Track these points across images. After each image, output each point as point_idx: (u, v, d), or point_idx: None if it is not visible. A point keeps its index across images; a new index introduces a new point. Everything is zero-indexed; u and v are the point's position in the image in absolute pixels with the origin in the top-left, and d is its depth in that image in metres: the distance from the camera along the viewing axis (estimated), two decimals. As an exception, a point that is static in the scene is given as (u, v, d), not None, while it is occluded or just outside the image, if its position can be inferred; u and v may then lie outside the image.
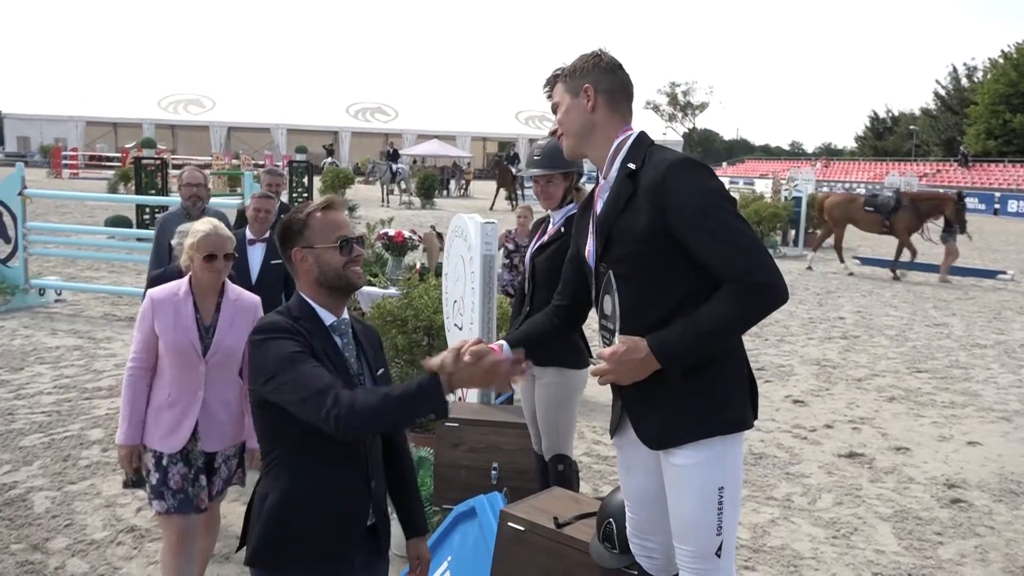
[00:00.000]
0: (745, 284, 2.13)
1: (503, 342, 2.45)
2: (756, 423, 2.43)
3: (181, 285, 3.33)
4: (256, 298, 3.47)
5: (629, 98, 2.42)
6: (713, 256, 2.16)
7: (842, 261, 16.51)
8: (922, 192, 18.76)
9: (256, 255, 5.27)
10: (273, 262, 5.15)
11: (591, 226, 2.44)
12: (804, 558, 4.39)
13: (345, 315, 2.36)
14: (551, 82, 2.46)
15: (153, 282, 3.90)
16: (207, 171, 8.50)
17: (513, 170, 29.05)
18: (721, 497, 2.25)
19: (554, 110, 2.45)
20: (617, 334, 2.29)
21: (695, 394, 2.25)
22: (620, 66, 2.41)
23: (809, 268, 16.49)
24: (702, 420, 2.24)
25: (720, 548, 2.28)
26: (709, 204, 2.18)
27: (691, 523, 2.28)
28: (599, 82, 2.36)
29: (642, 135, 2.39)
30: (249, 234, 5.32)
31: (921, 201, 15.91)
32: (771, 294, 2.15)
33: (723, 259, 2.15)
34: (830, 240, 21.33)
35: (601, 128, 2.37)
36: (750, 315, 2.17)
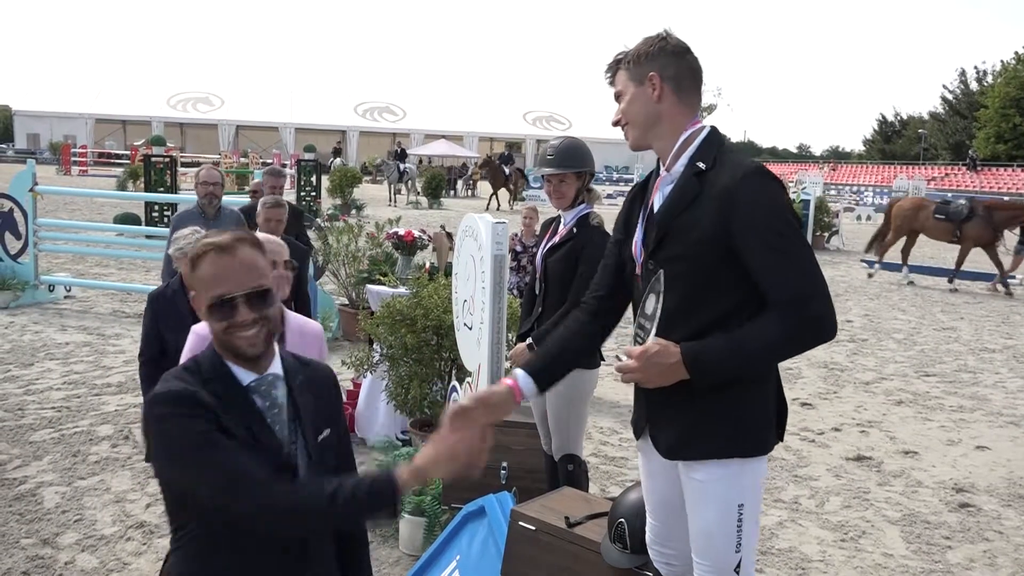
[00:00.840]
0: (798, 310, 2.04)
1: (519, 372, 2.26)
2: None
3: None
4: (318, 326, 2.93)
5: (698, 85, 2.28)
6: (770, 272, 2.07)
7: (904, 265, 15.56)
8: (997, 201, 17.40)
9: None
10: None
11: (642, 218, 2.32)
12: (812, 561, 4.38)
13: (274, 368, 1.89)
14: (613, 68, 2.32)
15: (155, 303, 3.75)
16: (217, 168, 8.47)
17: (506, 170, 28.98)
18: (741, 514, 2.20)
19: (617, 99, 2.30)
20: (652, 335, 2.18)
21: (719, 410, 2.17)
22: (688, 49, 2.26)
23: (911, 283, 15.29)
24: (723, 439, 2.17)
25: (739, 565, 2.23)
26: (778, 219, 2.09)
27: (710, 539, 2.23)
28: (665, 69, 2.21)
29: (713, 132, 2.26)
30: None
31: (997, 210, 14.97)
32: (821, 326, 2.07)
33: (781, 278, 2.06)
34: (836, 242, 21.37)
35: (668, 119, 2.24)
36: (796, 344, 2.09)
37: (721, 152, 2.20)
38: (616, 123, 2.35)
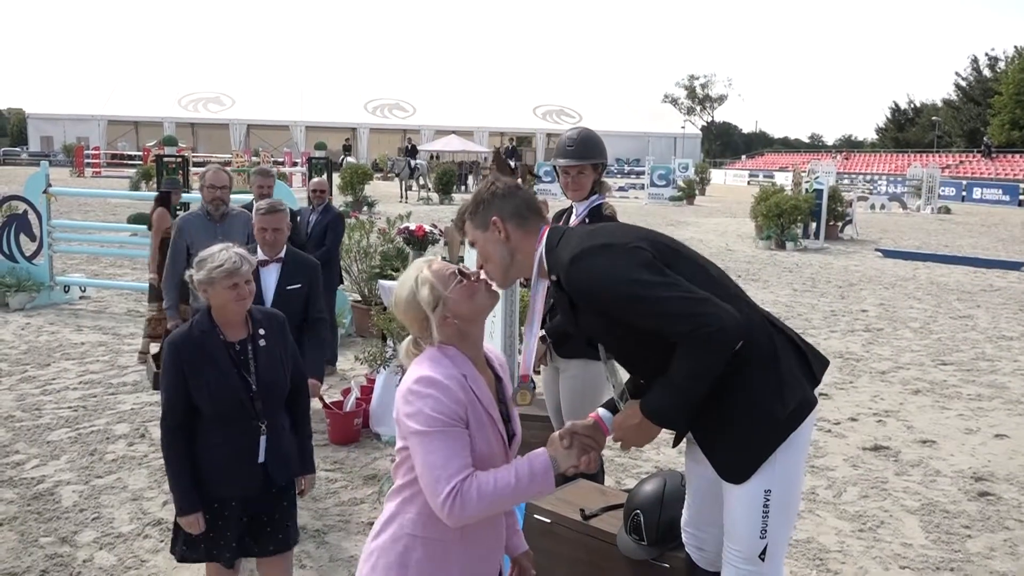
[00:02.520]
0: (690, 341, 2.13)
1: (601, 410, 2.45)
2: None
3: (450, 356, 2.09)
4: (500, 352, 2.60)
5: (537, 211, 2.45)
6: (654, 327, 2.18)
7: None
8: None
9: (269, 278, 4.31)
10: (289, 287, 4.32)
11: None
12: (830, 551, 4.36)
13: None
14: (460, 225, 2.50)
15: (179, 351, 2.95)
16: (228, 167, 8.34)
17: (512, 163, 28.99)
18: (767, 500, 2.26)
19: (471, 246, 2.49)
20: (622, 402, 2.39)
21: (738, 423, 2.27)
22: (517, 187, 2.45)
23: None
24: (756, 448, 2.26)
25: (764, 552, 2.28)
26: (618, 290, 2.17)
27: (736, 522, 2.30)
28: (503, 209, 2.38)
29: (547, 240, 2.38)
30: (260, 253, 4.27)
31: None
32: (718, 338, 2.13)
33: (662, 328, 2.16)
34: (850, 231, 21.24)
35: (521, 250, 2.40)
36: (710, 363, 2.16)
37: (557, 255, 2.32)
38: (479, 268, 2.46)
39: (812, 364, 2.37)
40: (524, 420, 4.22)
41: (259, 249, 4.31)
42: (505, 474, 1.99)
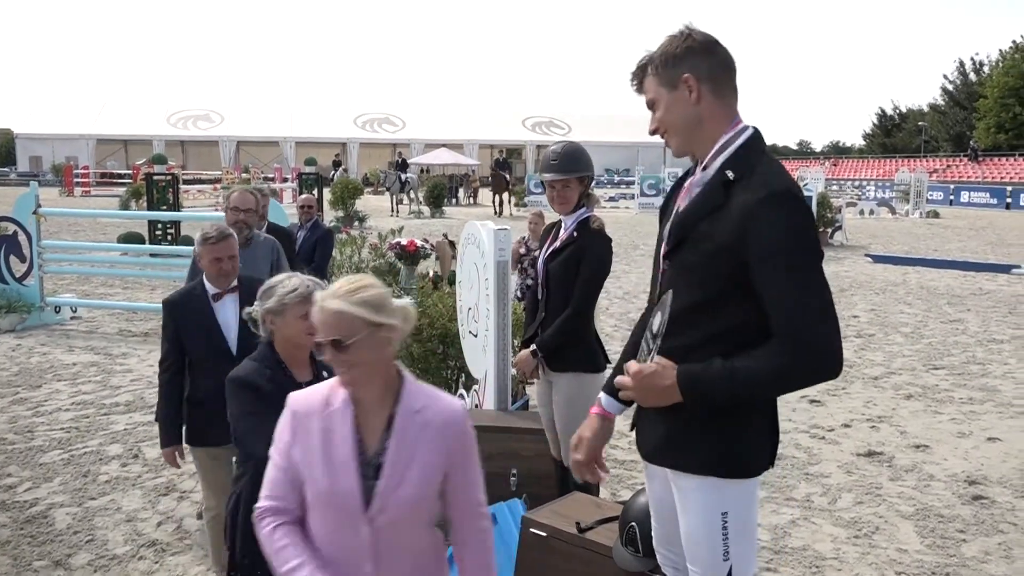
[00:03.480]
0: (798, 348, 1.93)
1: (602, 395, 2.30)
2: None
3: (329, 386, 2.08)
4: (460, 406, 2.15)
5: (733, 78, 2.15)
6: (776, 304, 1.96)
7: None
8: None
9: (227, 312, 3.71)
10: None
11: (670, 217, 2.22)
12: (826, 558, 4.36)
13: None
14: (639, 75, 2.18)
15: (245, 383, 2.70)
16: (217, 185, 8.29)
17: (507, 176, 29.15)
18: (726, 523, 2.11)
19: (650, 107, 2.17)
20: (654, 355, 2.12)
21: (701, 425, 2.10)
22: (716, 42, 2.12)
23: None
24: (701, 456, 2.10)
25: (730, 574, 2.15)
26: (793, 247, 1.96)
27: (696, 546, 2.17)
28: (698, 68, 2.08)
29: (754, 138, 2.12)
30: (211, 286, 3.75)
31: None
32: (821, 363, 1.95)
33: (785, 308, 1.94)
34: (840, 237, 21.33)
35: (709, 120, 2.11)
36: (793, 381, 2.00)
37: (759, 163, 2.06)
38: (654, 132, 2.21)
39: (774, 447, 2.23)
40: (519, 432, 4.24)
41: (206, 279, 3.78)
42: (287, 554, 1.97)
